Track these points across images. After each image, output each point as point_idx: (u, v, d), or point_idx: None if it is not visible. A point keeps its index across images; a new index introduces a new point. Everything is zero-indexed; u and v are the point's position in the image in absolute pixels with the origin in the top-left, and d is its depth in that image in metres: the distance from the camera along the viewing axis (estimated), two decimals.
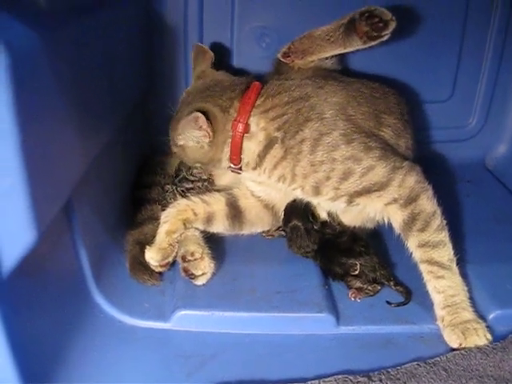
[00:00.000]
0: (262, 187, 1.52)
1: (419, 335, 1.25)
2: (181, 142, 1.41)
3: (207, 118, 1.33)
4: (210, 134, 1.36)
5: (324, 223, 1.51)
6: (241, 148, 1.39)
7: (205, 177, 1.63)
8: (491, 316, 1.27)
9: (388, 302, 1.32)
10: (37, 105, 0.89)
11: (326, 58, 1.63)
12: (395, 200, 1.30)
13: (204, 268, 1.35)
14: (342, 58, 1.67)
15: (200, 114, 1.31)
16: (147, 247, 1.37)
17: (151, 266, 1.36)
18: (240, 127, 1.37)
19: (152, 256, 1.36)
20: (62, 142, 1.03)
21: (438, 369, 1.11)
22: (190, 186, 1.58)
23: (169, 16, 1.81)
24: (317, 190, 1.35)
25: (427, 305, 1.28)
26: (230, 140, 1.39)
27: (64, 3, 1.12)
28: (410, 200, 1.29)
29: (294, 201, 1.49)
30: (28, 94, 0.86)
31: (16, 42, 0.84)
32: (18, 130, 0.82)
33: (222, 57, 1.87)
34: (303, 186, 1.37)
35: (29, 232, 0.88)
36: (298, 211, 1.49)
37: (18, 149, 0.82)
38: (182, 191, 1.58)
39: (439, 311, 1.24)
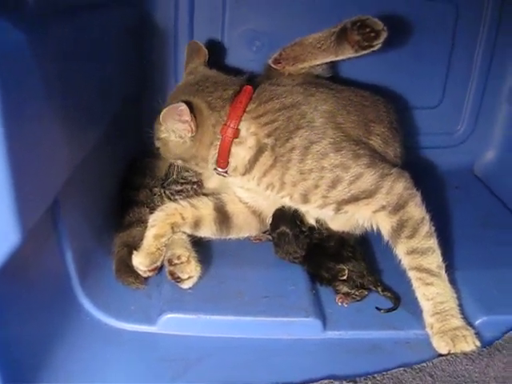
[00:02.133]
0: (249, 194, 1.52)
1: (405, 341, 1.26)
2: (163, 135, 1.40)
3: (191, 111, 1.32)
4: (193, 128, 1.34)
5: (312, 228, 1.51)
6: (229, 152, 1.38)
7: (195, 179, 1.61)
8: (478, 322, 1.27)
9: (377, 308, 1.32)
10: (22, 105, 0.88)
11: (317, 65, 1.62)
12: (383, 207, 1.30)
13: (190, 271, 1.34)
14: (332, 64, 1.67)
15: (184, 105, 1.30)
16: (134, 252, 1.36)
17: (139, 272, 1.35)
18: (230, 132, 1.36)
19: (140, 261, 1.35)
20: (49, 143, 1.02)
21: (424, 374, 1.11)
22: (179, 188, 1.57)
23: (159, 18, 1.81)
24: (305, 198, 1.35)
25: (414, 311, 1.28)
26: (218, 143, 1.38)
27: (52, 4, 1.11)
28: (399, 207, 1.29)
29: (283, 207, 1.48)
30: (14, 94, 0.85)
31: (1, 43, 0.84)
32: (3, 131, 0.81)
33: (212, 59, 1.88)
34: (292, 194, 1.37)
35: (13, 233, 0.86)
36: (286, 217, 1.48)
37: (3, 149, 0.81)
38: (171, 193, 1.57)
39: (428, 318, 1.24)
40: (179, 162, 1.49)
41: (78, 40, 1.20)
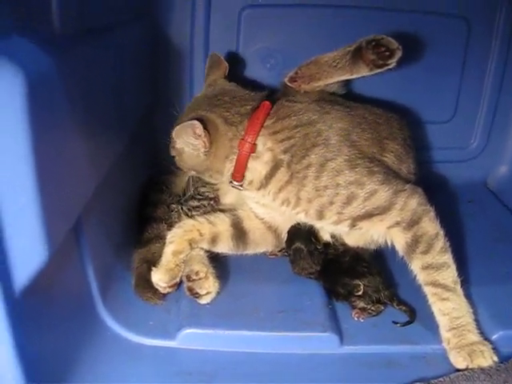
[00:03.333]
0: (265, 209, 1.53)
1: (422, 355, 1.26)
2: (178, 146, 1.41)
3: (206, 127, 1.33)
4: (207, 144, 1.36)
5: (327, 244, 1.52)
6: (245, 167, 1.40)
7: (212, 195, 1.63)
8: (494, 337, 1.27)
9: (394, 322, 1.33)
10: (50, 126, 0.91)
11: (332, 83, 1.64)
12: (398, 223, 1.31)
13: (208, 287, 1.36)
14: (347, 82, 1.69)
15: (197, 123, 1.31)
16: (153, 269, 1.38)
17: (159, 288, 1.37)
18: (247, 146, 1.37)
19: (160, 277, 1.36)
20: (73, 162, 1.05)
21: None
22: (197, 203, 1.59)
23: (175, 35, 1.84)
24: (320, 215, 1.37)
25: (430, 325, 1.28)
26: (234, 157, 1.39)
27: (77, 26, 1.14)
28: (413, 223, 1.30)
29: (298, 224, 1.50)
30: (42, 116, 0.88)
31: (31, 66, 0.86)
32: (32, 151, 0.84)
33: (226, 77, 1.91)
34: (307, 210, 1.38)
35: (41, 250, 0.89)
36: (301, 233, 1.50)
37: (32, 169, 0.84)
38: (188, 209, 1.59)
39: (445, 333, 1.25)
40: (193, 173, 1.51)
41: (100, 59, 1.23)
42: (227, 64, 1.57)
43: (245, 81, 1.89)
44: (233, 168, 1.41)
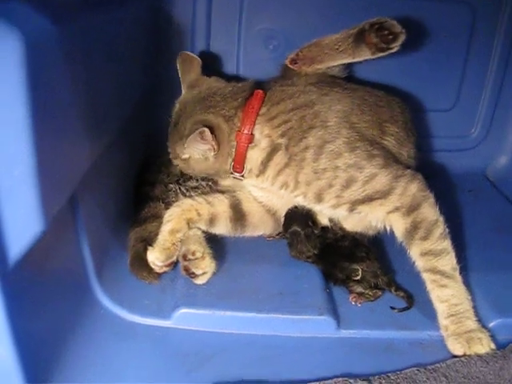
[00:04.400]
0: (263, 193, 1.52)
1: (419, 341, 1.26)
2: (185, 156, 1.41)
3: (212, 131, 1.32)
4: (215, 147, 1.35)
5: (325, 228, 1.51)
6: (245, 157, 1.39)
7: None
8: (491, 324, 1.27)
9: (392, 308, 1.32)
10: (48, 96, 0.90)
11: (333, 66, 1.62)
12: (397, 208, 1.30)
13: (205, 267, 1.35)
14: (348, 65, 1.67)
15: (206, 129, 1.30)
16: (149, 248, 1.36)
17: (155, 267, 1.35)
18: (244, 138, 1.36)
19: (156, 256, 1.35)
20: (71, 134, 1.03)
21: (438, 375, 1.11)
22: (195, 184, 1.58)
23: (177, 16, 1.81)
24: (319, 198, 1.35)
25: (427, 311, 1.28)
26: (234, 150, 1.39)
27: None
28: (412, 208, 1.29)
29: (296, 207, 1.49)
30: (41, 83, 0.86)
31: (30, 31, 0.84)
32: (29, 120, 0.82)
33: (228, 58, 1.89)
34: (306, 193, 1.37)
35: (35, 222, 0.88)
36: (298, 217, 1.49)
37: (28, 138, 0.83)
38: (186, 190, 1.57)
39: (443, 320, 1.24)
40: (202, 176, 1.52)
41: (100, 33, 1.21)
42: (200, 60, 1.52)
43: (246, 63, 1.89)
44: (233, 160, 1.40)
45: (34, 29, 0.85)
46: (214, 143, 1.34)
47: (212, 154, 1.37)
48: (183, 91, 1.51)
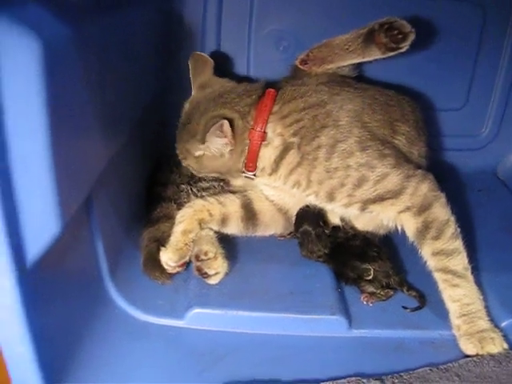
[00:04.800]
0: (275, 191, 1.52)
1: (430, 341, 1.26)
2: (199, 153, 1.40)
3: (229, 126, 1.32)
4: (232, 141, 1.35)
5: (336, 228, 1.52)
6: (257, 156, 1.39)
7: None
8: (503, 324, 1.26)
9: (404, 307, 1.32)
10: (65, 97, 0.91)
11: (344, 66, 1.63)
12: (408, 208, 1.30)
13: (217, 267, 1.36)
14: (358, 65, 1.67)
15: (225, 121, 1.30)
16: (162, 249, 1.37)
17: (168, 268, 1.36)
18: (257, 136, 1.36)
19: (170, 257, 1.36)
20: (87, 135, 1.04)
21: (451, 374, 1.11)
22: (207, 185, 1.58)
23: (187, 18, 1.82)
24: (331, 197, 1.36)
25: (439, 311, 1.28)
26: (247, 148, 1.39)
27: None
28: (424, 208, 1.29)
29: (307, 206, 1.49)
30: (57, 86, 0.87)
31: (47, 34, 0.85)
32: (47, 121, 0.83)
33: (238, 60, 1.89)
34: (317, 192, 1.37)
35: (53, 223, 0.89)
36: (309, 216, 1.49)
37: (46, 139, 0.84)
38: (198, 190, 1.58)
39: (455, 320, 1.24)
40: (213, 175, 1.51)
41: (114, 35, 1.22)
42: (212, 61, 1.52)
43: (256, 64, 1.89)
44: (245, 159, 1.40)
45: (52, 32, 0.86)
46: (231, 138, 1.34)
47: (228, 149, 1.37)
48: (193, 91, 1.51)
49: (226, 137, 1.34)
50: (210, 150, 1.38)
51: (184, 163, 1.48)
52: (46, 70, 0.80)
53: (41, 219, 0.88)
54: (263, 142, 1.38)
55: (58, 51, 0.87)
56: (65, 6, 0.98)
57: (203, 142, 1.36)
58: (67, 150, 0.92)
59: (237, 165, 1.42)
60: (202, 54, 1.56)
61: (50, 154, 0.84)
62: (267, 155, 1.39)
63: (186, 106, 1.48)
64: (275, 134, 1.38)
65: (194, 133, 1.38)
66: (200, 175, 1.53)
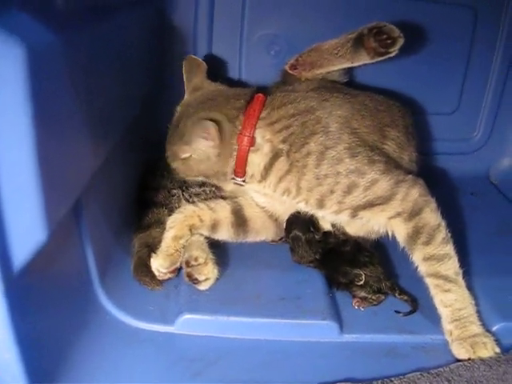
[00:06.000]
0: (266, 198, 1.52)
1: (421, 345, 1.25)
2: (185, 155, 1.39)
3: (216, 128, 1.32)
4: (219, 144, 1.35)
5: (327, 233, 1.51)
6: (246, 161, 1.38)
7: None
8: (495, 328, 1.27)
9: (397, 312, 1.32)
10: (51, 103, 0.90)
11: (334, 71, 1.63)
12: (399, 214, 1.30)
13: (207, 273, 1.35)
14: (348, 70, 1.68)
15: (211, 123, 1.30)
16: (153, 255, 1.37)
17: (159, 274, 1.36)
18: (246, 141, 1.36)
19: (161, 263, 1.36)
20: (74, 141, 1.03)
21: (441, 379, 1.11)
22: (198, 190, 1.58)
23: (179, 21, 1.82)
24: (321, 204, 1.36)
25: (430, 315, 1.28)
26: (235, 153, 1.38)
27: (79, 4, 1.13)
28: (414, 213, 1.29)
29: (298, 212, 1.49)
30: (43, 93, 0.86)
31: (32, 41, 0.84)
32: (33, 127, 0.82)
33: (229, 64, 1.90)
34: (307, 200, 1.37)
35: (40, 229, 0.88)
36: (300, 222, 1.49)
37: (32, 146, 0.83)
38: (190, 196, 1.57)
39: (447, 325, 1.24)
40: (200, 179, 1.50)
41: (105, 40, 1.21)
42: (205, 64, 1.53)
43: (247, 69, 1.89)
44: (234, 165, 1.40)
45: (36, 39, 0.85)
46: (217, 140, 1.33)
47: (215, 152, 1.36)
48: (186, 95, 1.52)
49: (211, 139, 1.33)
50: (196, 153, 1.38)
51: (172, 166, 1.46)
52: (31, 77, 0.80)
53: (27, 226, 0.87)
54: (252, 148, 1.37)
55: (42, 57, 0.86)
56: (50, 12, 0.97)
57: (189, 143, 1.35)
58: (53, 157, 0.91)
59: (224, 169, 1.41)
60: (195, 57, 1.56)
61: (35, 161, 0.83)
62: (256, 162, 1.39)
63: (178, 109, 1.48)
64: (264, 139, 1.37)
65: (182, 135, 1.37)
66: (188, 179, 1.52)
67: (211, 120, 1.31)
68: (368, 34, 1.51)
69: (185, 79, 1.53)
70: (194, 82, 1.51)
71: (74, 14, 1.08)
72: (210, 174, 1.45)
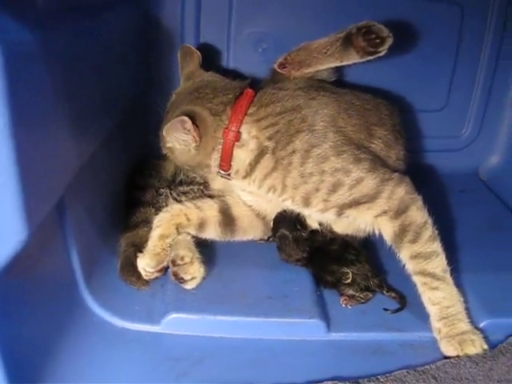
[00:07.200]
0: (252, 197, 1.52)
1: (409, 343, 1.26)
2: (169, 145, 1.40)
3: (194, 122, 1.31)
4: (197, 138, 1.34)
5: (315, 232, 1.51)
6: (231, 156, 1.38)
7: (201, 180, 1.62)
8: (482, 325, 1.27)
9: (385, 309, 1.32)
10: (30, 103, 0.89)
11: (322, 70, 1.62)
12: (385, 212, 1.30)
13: (194, 272, 1.35)
14: (337, 68, 1.67)
15: (186, 118, 1.29)
16: (140, 255, 1.37)
17: (146, 274, 1.36)
18: (231, 135, 1.35)
19: (147, 263, 1.36)
20: (55, 141, 1.03)
21: (428, 377, 1.11)
22: (186, 189, 1.58)
23: (166, 19, 1.81)
24: (306, 202, 1.35)
25: (418, 313, 1.28)
26: (220, 147, 1.37)
27: (60, 4, 1.12)
28: (400, 211, 1.29)
29: (285, 211, 1.49)
30: (22, 92, 0.86)
31: (10, 41, 0.84)
32: (11, 128, 0.82)
33: (217, 61, 1.89)
34: (293, 197, 1.37)
35: (20, 230, 0.87)
36: (287, 220, 1.49)
37: (10, 146, 0.82)
38: (177, 194, 1.57)
39: (435, 323, 1.24)
40: (187, 168, 1.51)
41: (85, 39, 1.21)
42: (200, 54, 1.53)
43: (235, 67, 1.88)
44: (219, 158, 1.39)
45: (14, 38, 0.85)
46: (195, 134, 1.33)
47: (193, 145, 1.36)
48: (181, 82, 1.53)
49: (188, 133, 1.33)
50: (175, 144, 1.38)
51: (163, 151, 1.47)
52: (8, 76, 0.79)
53: (7, 226, 0.86)
54: (237, 143, 1.37)
55: (20, 56, 0.85)
56: (29, 11, 0.96)
57: (167, 135, 1.36)
58: (32, 156, 0.90)
59: (206, 161, 1.41)
60: (190, 46, 1.57)
61: (13, 160, 0.82)
62: (242, 157, 1.38)
63: (173, 96, 1.49)
64: (250, 135, 1.37)
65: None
66: (179, 165, 1.53)
67: (193, 114, 1.32)
68: (357, 33, 1.50)
69: (180, 68, 1.55)
70: (187, 71, 1.52)
71: (55, 14, 1.08)
72: (192, 165, 1.45)
